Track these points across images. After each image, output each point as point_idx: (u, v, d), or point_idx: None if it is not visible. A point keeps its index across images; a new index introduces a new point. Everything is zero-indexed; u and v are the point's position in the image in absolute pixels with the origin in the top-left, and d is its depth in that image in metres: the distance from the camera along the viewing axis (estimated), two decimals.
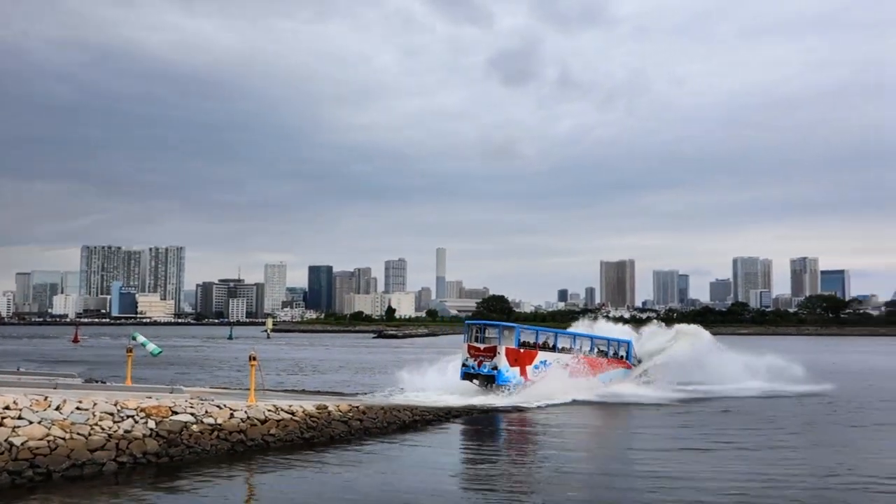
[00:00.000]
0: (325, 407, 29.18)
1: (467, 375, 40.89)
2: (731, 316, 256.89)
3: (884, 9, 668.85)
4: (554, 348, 42.97)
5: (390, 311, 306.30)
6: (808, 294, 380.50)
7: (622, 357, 47.08)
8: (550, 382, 40.49)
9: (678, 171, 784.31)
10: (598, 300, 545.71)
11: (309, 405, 28.96)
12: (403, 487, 20.17)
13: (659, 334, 51.93)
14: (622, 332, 51.75)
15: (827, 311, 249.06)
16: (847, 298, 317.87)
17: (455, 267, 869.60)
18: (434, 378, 43.40)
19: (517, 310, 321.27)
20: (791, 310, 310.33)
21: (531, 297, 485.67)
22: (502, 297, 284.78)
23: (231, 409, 26.10)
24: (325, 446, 25.91)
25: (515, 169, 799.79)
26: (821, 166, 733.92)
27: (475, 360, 40.35)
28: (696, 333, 50.88)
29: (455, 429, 31.06)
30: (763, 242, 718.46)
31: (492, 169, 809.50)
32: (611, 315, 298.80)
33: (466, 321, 44.30)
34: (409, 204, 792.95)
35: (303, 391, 39.74)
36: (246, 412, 26.28)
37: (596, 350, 45.58)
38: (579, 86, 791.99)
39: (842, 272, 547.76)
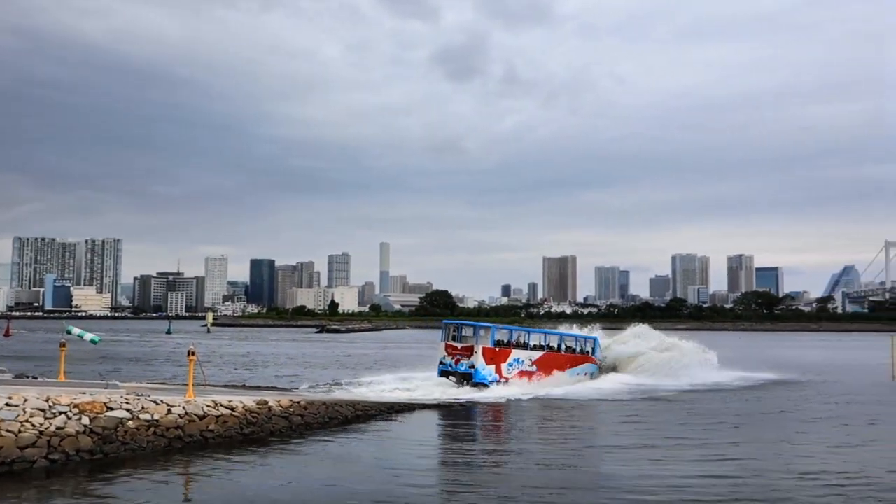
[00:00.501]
0: (266, 402, 28.85)
1: (444, 373, 42.84)
2: (669, 311, 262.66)
3: (819, 12, 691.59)
4: (526, 346, 44.68)
5: (333, 305, 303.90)
6: (743, 290, 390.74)
7: (588, 353, 49.32)
8: (521, 379, 42.78)
9: (619, 169, 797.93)
10: (540, 295, 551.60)
11: (249, 400, 28.59)
12: (343, 483, 20.07)
13: (650, 338, 55.03)
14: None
15: (761, 307, 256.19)
16: (780, 295, 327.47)
17: (399, 261, 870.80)
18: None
19: (461, 305, 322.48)
20: (727, 306, 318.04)
21: (475, 292, 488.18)
22: (446, 292, 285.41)
23: (168, 405, 25.59)
24: (265, 442, 25.63)
25: (460, 164, 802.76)
26: (756, 166, 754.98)
27: (452, 359, 42.14)
28: (682, 350, 53.17)
29: (398, 424, 31.02)
30: (701, 240, 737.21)
31: (436, 164, 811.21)
32: (553, 310, 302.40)
33: (444, 321, 46.81)
34: (352, 198, 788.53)
35: (243, 386, 39.21)
36: (184, 408, 25.80)
37: (565, 346, 47.72)
38: (524, 83, 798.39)
39: (776, 269, 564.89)
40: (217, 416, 26.19)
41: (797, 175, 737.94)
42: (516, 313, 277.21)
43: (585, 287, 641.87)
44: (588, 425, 32.16)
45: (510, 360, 42.75)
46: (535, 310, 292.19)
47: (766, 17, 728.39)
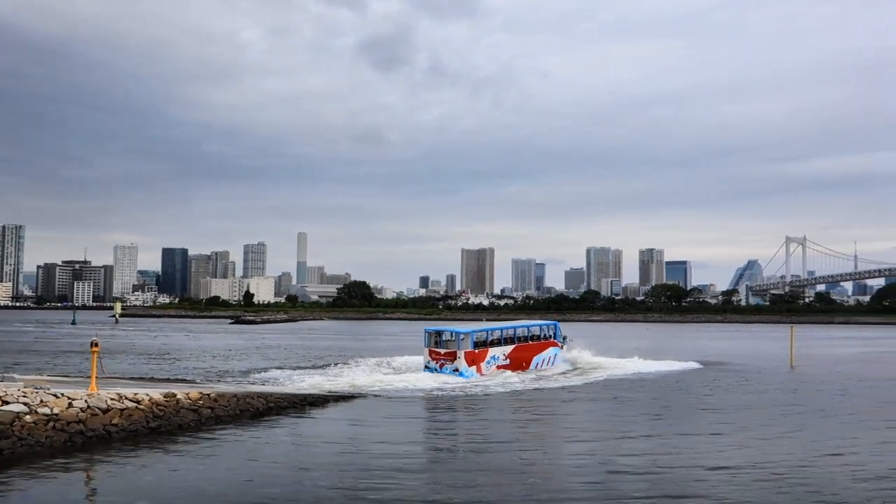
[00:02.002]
0: (174, 395, 28.13)
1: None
2: (583, 303, 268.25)
3: (737, 13, 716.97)
4: (499, 342, 48.44)
5: (248, 296, 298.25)
6: (654, 283, 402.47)
7: (551, 338, 53.31)
8: (498, 371, 46.72)
9: (539, 163, 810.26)
10: (458, 287, 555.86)
11: (156, 393, 27.82)
12: (252, 480, 19.74)
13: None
14: None
15: (671, 299, 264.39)
16: (689, 288, 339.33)
17: (317, 252, 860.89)
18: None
19: (379, 296, 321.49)
20: (639, 298, 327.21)
21: (393, 283, 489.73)
22: (364, 283, 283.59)
23: (69, 399, 24.67)
24: (172, 436, 24.98)
25: (382, 154, 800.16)
26: (670, 162, 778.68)
27: (437, 363, 45.94)
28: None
29: (312, 416, 30.71)
30: (615, 233, 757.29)
31: (358, 154, 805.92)
32: (470, 302, 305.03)
33: (426, 329, 49.72)
34: (270, 187, 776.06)
35: (151, 379, 38.12)
36: (86, 401, 24.90)
37: (531, 336, 51.99)
38: (449, 75, 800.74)
39: (685, 263, 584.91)
40: (122, 410, 25.39)
41: (707, 172, 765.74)
42: (434, 305, 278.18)
43: (502, 279, 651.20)
44: (495, 417, 32.52)
45: (488, 358, 46.77)
46: (453, 301, 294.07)
47: (686, 17, 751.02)
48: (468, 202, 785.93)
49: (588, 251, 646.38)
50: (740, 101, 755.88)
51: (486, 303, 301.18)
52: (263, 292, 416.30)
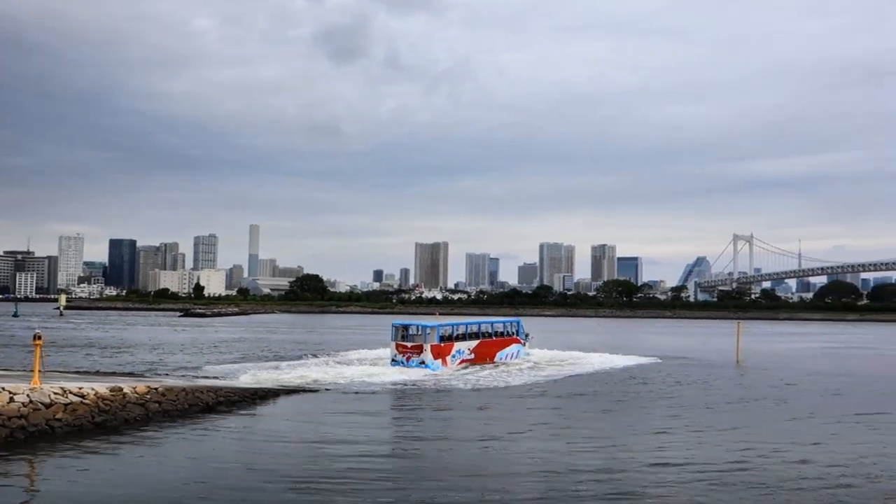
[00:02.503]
0: (120, 389, 27.52)
1: None
2: (536, 298, 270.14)
3: (689, 16, 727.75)
4: (464, 337, 50.73)
5: (199, 288, 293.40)
6: (605, 279, 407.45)
7: (513, 334, 55.75)
8: (462, 365, 48.54)
9: (494, 158, 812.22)
10: (412, 281, 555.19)
11: (101, 387, 27.18)
12: (200, 476, 19.43)
13: None
14: None
15: (622, 294, 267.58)
16: (639, 283, 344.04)
17: (269, 245, 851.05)
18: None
19: (332, 289, 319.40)
20: (591, 293, 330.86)
21: (347, 276, 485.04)
22: (317, 276, 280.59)
23: (10, 393, 23.96)
24: (118, 431, 24.44)
25: (336, 147, 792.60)
26: (622, 160, 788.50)
27: (404, 356, 47.46)
28: None
29: (261, 411, 30.34)
30: (568, 229, 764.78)
31: (312, 146, 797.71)
32: (424, 296, 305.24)
33: (393, 323, 51.60)
34: (221, 178, 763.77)
35: (97, 373, 37.28)
36: (28, 395, 24.22)
37: (495, 332, 54.50)
38: (406, 68, 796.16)
39: (636, 259, 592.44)
40: (66, 405, 24.75)
41: (658, 170, 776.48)
42: (388, 299, 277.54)
43: (456, 273, 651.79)
44: (449, 414, 32.55)
45: (453, 352, 48.77)
46: (407, 295, 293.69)
47: (639, 18, 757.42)
48: (423, 196, 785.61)
49: (541, 246, 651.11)
50: (690, 102, 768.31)
51: (439, 297, 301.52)
52: (214, 285, 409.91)
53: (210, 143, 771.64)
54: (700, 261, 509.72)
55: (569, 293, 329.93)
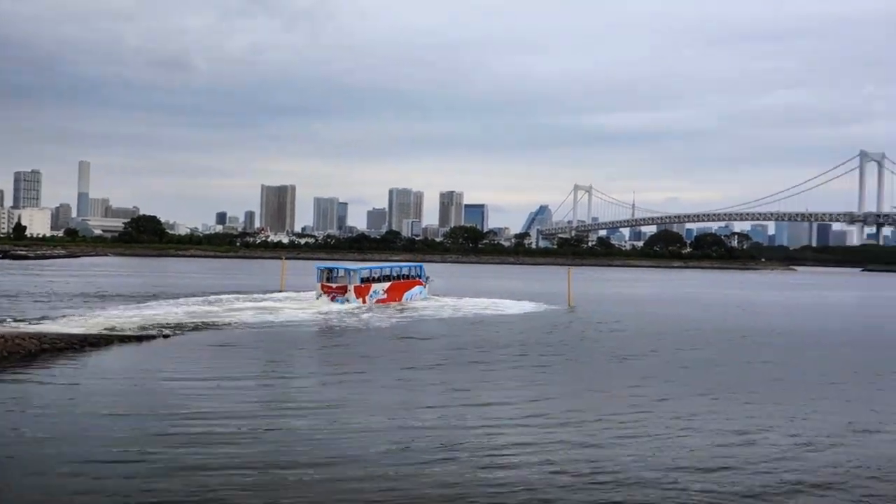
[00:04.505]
0: None
1: None
2: (384, 244, 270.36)
3: None
4: (379, 279, 57.53)
5: (20, 228, 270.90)
6: (452, 225, 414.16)
7: (417, 277, 62.73)
8: (378, 304, 54.63)
9: (346, 101, 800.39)
10: (258, 224, 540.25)
11: None
12: (20, 429, 18.10)
13: None
14: None
15: (468, 240, 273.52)
16: (485, 230, 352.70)
17: (101, 183, 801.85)
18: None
19: (171, 231, 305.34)
20: (438, 239, 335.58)
21: (187, 218, 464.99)
22: (154, 217, 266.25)
23: None
24: None
25: (182, 82, 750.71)
26: (471, 108, 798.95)
27: (329, 296, 53.50)
28: None
29: (90, 360, 28.56)
30: (417, 175, 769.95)
31: (155, 80, 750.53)
32: (270, 240, 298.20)
33: (317, 266, 59.14)
34: (47, 109, 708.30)
35: None
36: None
37: (402, 275, 61.26)
38: (265, 3, 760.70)
39: (482, 206, 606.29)
40: None
41: (506, 119, 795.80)
42: (231, 242, 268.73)
43: (304, 217, 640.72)
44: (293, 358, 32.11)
45: (371, 292, 55.30)
46: (252, 239, 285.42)
47: None
48: (271, 137, 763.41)
49: (391, 192, 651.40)
50: (540, 52, 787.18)
51: (286, 241, 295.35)
52: (38, 225, 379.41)
53: (37, 69, 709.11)
54: (543, 209, 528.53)
55: (417, 239, 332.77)
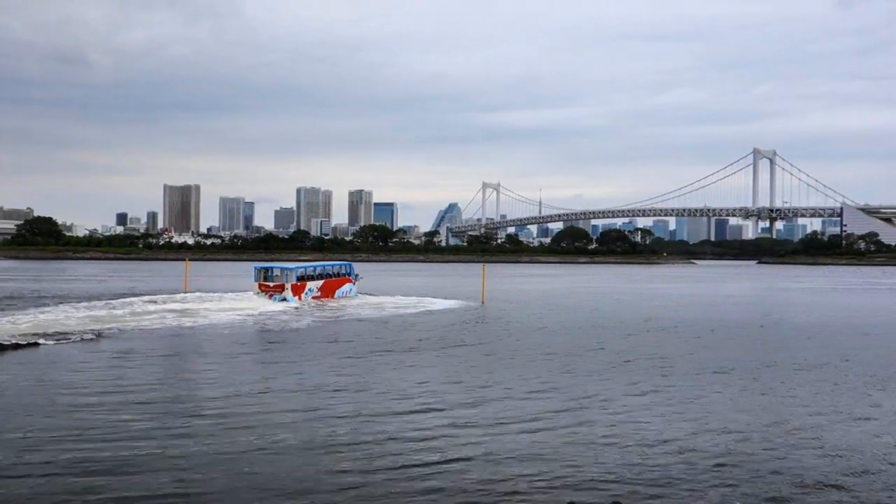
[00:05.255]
0: None
1: None
2: (292, 243, 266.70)
3: None
4: (313, 277, 60.39)
5: None
6: (362, 223, 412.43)
7: (347, 275, 65.62)
8: (314, 301, 57.41)
9: (253, 97, 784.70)
10: (161, 225, 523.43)
11: None
12: None
13: None
14: None
15: (378, 239, 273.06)
16: (395, 228, 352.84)
17: None
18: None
19: (68, 233, 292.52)
20: (348, 238, 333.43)
21: (85, 219, 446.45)
22: (50, 218, 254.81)
23: None
24: None
25: (76, 77, 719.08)
26: (380, 106, 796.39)
27: (266, 294, 56.04)
28: None
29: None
30: (325, 173, 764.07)
31: (47, 73, 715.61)
32: (174, 241, 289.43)
33: (255, 266, 62.74)
34: None
35: None
36: None
37: (334, 273, 64.00)
38: None
39: (392, 205, 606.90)
40: None
41: (415, 117, 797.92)
42: (133, 244, 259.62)
43: (209, 217, 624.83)
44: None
45: (306, 290, 58.20)
46: (155, 240, 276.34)
47: None
48: (173, 134, 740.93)
49: (298, 190, 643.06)
50: (447, 51, 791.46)
51: (191, 241, 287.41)
52: None
53: None
54: (452, 207, 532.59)
55: (326, 238, 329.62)
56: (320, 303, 57.23)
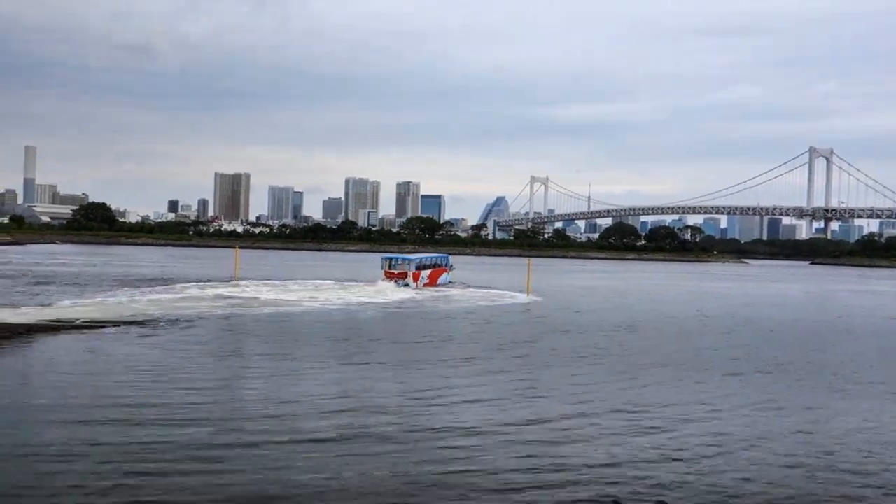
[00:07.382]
0: None
1: None
2: (340, 233, 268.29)
3: None
4: (425, 267, 69.70)
5: None
6: (409, 215, 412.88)
7: (445, 265, 75.79)
8: (425, 287, 66.04)
9: (308, 88, 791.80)
10: (211, 212, 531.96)
11: None
12: None
13: None
14: None
15: (424, 231, 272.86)
16: (442, 220, 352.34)
17: (49, 169, 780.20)
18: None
19: (122, 219, 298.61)
20: (394, 229, 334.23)
21: (138, 206, 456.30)
22: (104, 204, 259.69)
23: None
24: None
25: (140, 65, 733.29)
26: (432, 98, 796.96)
27: (392, 281, 64.67)
28: None
29: (35, 349, 27.25)
30: (374, 164, 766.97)
31: (111, 61, 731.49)
32: (224, 228, 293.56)
33: (382, 256, 74.25)
34: None
35: None
36: None
37: (437, 264, 73.99)
38: None
39: (439, 197, 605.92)
40: None
41: (466, 110, 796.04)
42: (184, 230, 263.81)
43: (259, 206, 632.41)
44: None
45: (421, 277, 67.20)
46: (205, 227, 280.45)
47: None
48: (225, 123, 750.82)
49: (347, 181, 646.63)
50: (503, 43, 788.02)
51: (240, 230, 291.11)
52: None
53: None
54: (500, 200, 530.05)
55: (373, 229, 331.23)
56: (436, 291, 64.32)
